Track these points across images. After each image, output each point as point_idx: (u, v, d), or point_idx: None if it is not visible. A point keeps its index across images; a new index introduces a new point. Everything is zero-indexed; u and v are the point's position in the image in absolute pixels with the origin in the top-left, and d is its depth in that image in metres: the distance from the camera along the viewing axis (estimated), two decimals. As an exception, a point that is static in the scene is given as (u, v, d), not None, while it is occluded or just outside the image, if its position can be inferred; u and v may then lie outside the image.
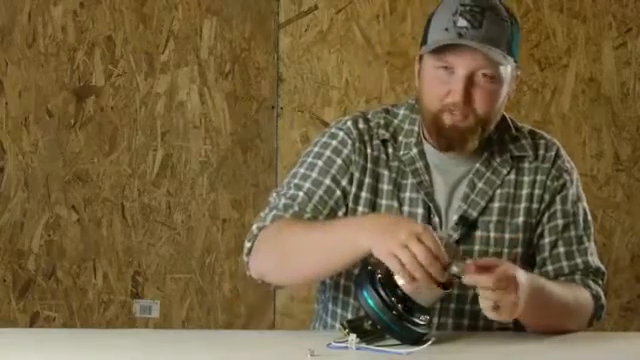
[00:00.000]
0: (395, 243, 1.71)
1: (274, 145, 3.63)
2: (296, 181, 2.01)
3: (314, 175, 2.01)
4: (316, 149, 2.05)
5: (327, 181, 2.00)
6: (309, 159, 2.04)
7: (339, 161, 2.02)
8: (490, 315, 1.75)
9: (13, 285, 3.60)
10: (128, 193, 3.62)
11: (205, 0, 3.62)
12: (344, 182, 2.01)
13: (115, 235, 3.61)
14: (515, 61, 1.99)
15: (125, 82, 3.61)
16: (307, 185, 2.00)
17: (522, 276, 1.79)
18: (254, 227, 1.99)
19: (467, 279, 1.74)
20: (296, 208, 1.98)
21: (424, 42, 1.98)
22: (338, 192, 2.00)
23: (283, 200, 1.99)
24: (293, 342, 1.87)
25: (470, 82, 1.92)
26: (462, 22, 1.92)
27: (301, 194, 1.99)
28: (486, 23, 1.92)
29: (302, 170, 2.03)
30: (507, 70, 1.96)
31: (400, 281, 1.75)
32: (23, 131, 3.59)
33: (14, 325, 3.54)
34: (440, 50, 1.92)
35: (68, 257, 3.60)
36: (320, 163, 2.02)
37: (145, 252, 3.62)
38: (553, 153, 2.08)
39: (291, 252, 1.90)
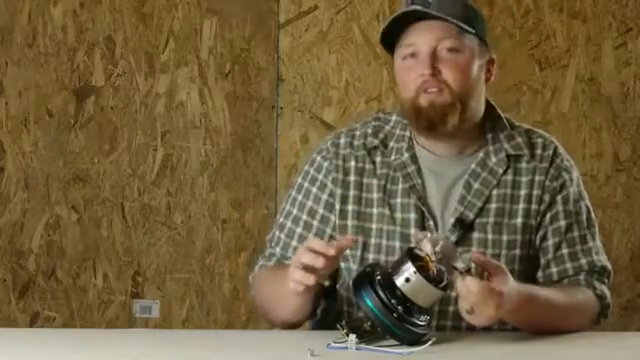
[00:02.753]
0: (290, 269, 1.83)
1: (274, 145, 3.63)
2: (281, 220, 2.12)
3: (294, 212, 2.10)
4: (299, 180, 2.14)
5: (304, 216, 2.09)
6: (293, 193, 2.13)
7: (314, 190, 2.09)
8: (464, 316, 1.78)
9: (13, 285, 3.60)
10: (128, 193, 3.62)
11: (205, 0, 3.62)
12: (321, 210, 2.08)
13: (115, 235, 3.61)
14: (481, 38, 2.01)
15: (125, 82, 3.61)
16: (288, 225, 2.10)
17: (511, 288, 1.78)
18: (250, 277, 2.15)
19: (459, 281, 1.75)
20: (278, 255, 2.09)
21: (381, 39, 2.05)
22: (315, 223, 2.07)
23: (268, 249, 2.12)
24: (293, 342, 1.87)
25: (435, 57, 1.97)
26: (413, 7, 1.97)
27: (283, 237, 2.10)
28: (436, 1, 1.97)
29: (287, 206, 2.13)
30: (473, 42, 1.99)
31: (399, 282, 1.75)
32: (23, 131, 3.59)
33: (14, 325, 3.54)
34: (402, 38, 1.99)
35: (68, 257, 3.60)
36: (299, 197, 2.11)
37: (145, 252, 3.62)
38: (551, 152, 2.07)
39: (265, 300, 2.05)
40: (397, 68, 2.03)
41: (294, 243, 2.07)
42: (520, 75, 3.57)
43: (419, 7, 1.96)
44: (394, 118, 2.10)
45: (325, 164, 2.08)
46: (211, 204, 3.63)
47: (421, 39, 1.97)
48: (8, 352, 1.73)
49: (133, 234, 3.62)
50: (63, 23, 3.60)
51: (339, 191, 2.05)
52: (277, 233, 2.11)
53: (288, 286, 1.82)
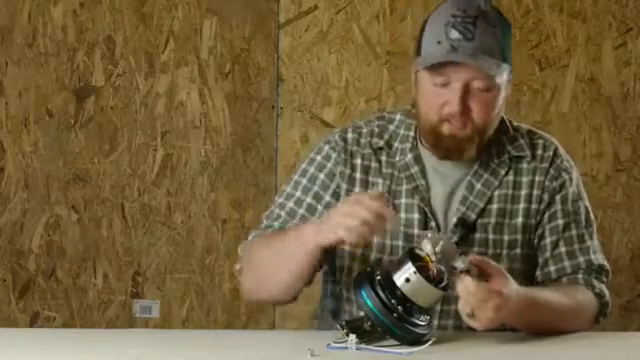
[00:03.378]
0: (336, 218, 1.80)
1: (274, 145, 3.63)
2: (281, 200, 2.08)
3: (297, 194, 2.07)
4: (303, 166, 2.11)
5: (308, 199, 2.06)
6: (295, 177, 2.10)
7: (322, 176, 2.07)
8: (464, 318, 1.77)
9: (13, 285, 3.60)
10: (128, 193, 3.62)
11: (205, 0, 3.62)
12: (327, 197, 2.05)
13: (115, 235, 3.61)
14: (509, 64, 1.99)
15: (125, 82, 3.61)
16: (290, 205, 2.06)
17: (513, 292, 1.79)
18: (239, 248, 2.07)
19: (459, 283, 1.75)
20: (276, 227, 2.04)
21: (418, 52, 2.00)
22: (320, 207, 2.04)
23: (265, 222, 2.07)
24: (293, 342, 1.87)
25: (466, 92, 1.94)
26: (454, 34, 1.93)
27: (283, 214, 2.05)
28: (478, 33, 1.92)
29: (288, 189, 2.09)
30: (502, 78, 1.97)
31: (399, 282, 1.75)
32: (23, 131, 3.59)
33: (14, 325, 3.54)
34: (436, 65, 1.94)
35: (68, 257, 3.60)
36: (304, 181, 2.08)
37: (145, 252, 3.62)
38: (551, 153, 2.08)
39: (260, 267, 1.98)
40: (422, 86, 1.98)
41: (294, 222, 2.04)
42: (520, 75, 3.57)
43: (462, 36, 1.91)
44: (398, 117, 2.10)
45: (334, 155, 2.07)
46: (211, 204, 3.63)
47: (455, 75, 1.93)
48: (8, 352, 1.73)
49: (133, 234, 3.62)
50: (63, 23, 3.59)
51: (345, 186, 2.05)
52: (277, 210, 2.07)
53: (301, 244, 1.84)
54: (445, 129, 1.96)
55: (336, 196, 2.04)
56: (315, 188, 2.06)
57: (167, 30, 3.62)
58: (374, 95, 3.62)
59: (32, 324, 3.58)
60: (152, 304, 3.62)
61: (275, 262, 1.94)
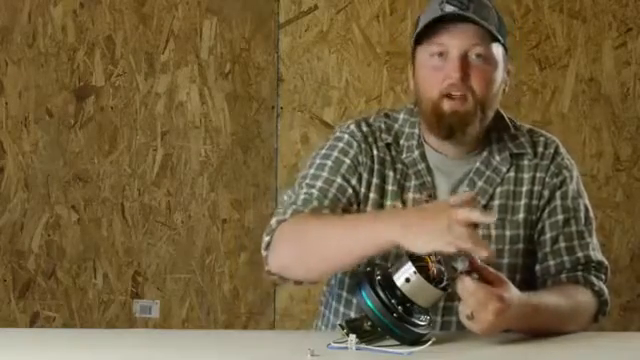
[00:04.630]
0: (441, 233, 1.70)
1: (274, 145, 3.63)
2: (308, 181, 2.02)
3: (325, 174, 2.02)
4: (323, 151, 2.06)
5: (338, 179, 2.01)
6: (317, 160, 2.05)
7: (347, 161, 2.03)
8: (463, 321, 1.76)
9: (13, 285, 3.60)
10: (128, 193, 3.62)
11: (205, 0, 3.62)
12: (354, 181, 2.02)
13: (115, 235, 3.61)
14: (505, 48, 2.01)
15: (125, 82, 3.62)
16: (319, 184, 2.00)
17: (513, 295, 1.78)
18: (273, 221, 1.97)
19: (458, 284, 1.75)
20: (315, 203, 1.97)
21: (416, 37, 2.01)
22: (350, 190, 2.01)
23: (302, 196, 1.99)
24: (293, 342, 1.87)
25: (465, 62, 1.95)
26: (449, 8, 1.95)
27: (315, 192, 1.99)
28: (473, 6, 1.95)
29: (312, 171, 2.03)
30: (499, 52, 1.99)
31: (399, 282, 1.75)
32: (23, 131, 3.59)
33: (14, 325, 3.54)
34: (432, 35, 1.95)
35: (68, 257, 3.60)
36: (329, 163, 2.03)
37: (145, 252, 3.62)
38: (552, 150, 2.10)
39: (312, 245, 1.89)
40: (420, 64, 2.00)
41: (328, 200, 1.98)
42: (520, 75, 3.57)
43: (456, 9, 1.94)
44: (402, 116, 2.10)
45: (355, 143, 2.05)
46: (211, 204, 3.63)
47: (453, 41, 1.95)
48: (8, 352, 1.73)
49: (133, 234, 3.62)
50: (63, 23, 3.60)
51: (365, 175, 2.04)
52: (305, 189, 1.99)
53: (377, 238, 1.77)
54: (446, 106, 1.96)
55: (361, 183, 2.02)
56: (342, 171, 2.02)
57: (167, 30, 3.62)
58: (374, 95, 3.62)
59: (32, 324, 3.58)
60: (152, 304, 3.62)
61: (333, 245, 1.85)
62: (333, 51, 3.63)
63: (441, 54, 1.96)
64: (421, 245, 1.71)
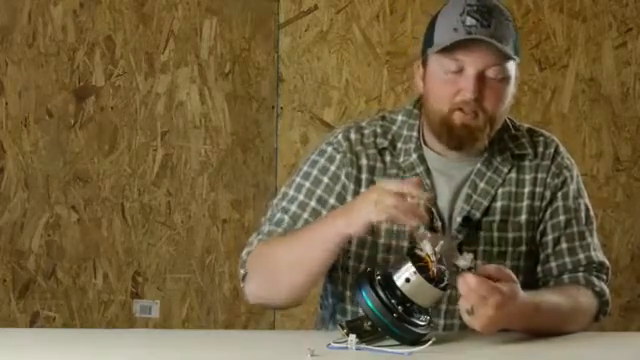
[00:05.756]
0: (387, 199, 1.76)
1: (274, 145, 3.63)
2: (284, 204, 2.04)
3: (300, 197, 2.03)
4: (305, 168, 2.07)
5: (312, 203, 2.03)
6: (298, 179, 2.06)
7: (325, 180, 2.04)
8: (464, 317, 1.76)
9: (13, 285, 3.60)
10: (128, 193, 3.62)
11: (205, 0, 3.62)
12: (332, 200, 2.03)
13: (115, 235, 3.61)
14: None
15: (125, 82, 3.61)
16: (293, 209, 2.03)
17: (515, 293, 1.77)
18: (243, 253, 2.04)
19: (460, 280, 1.75)
20: (280, 232, 2.01)
21: (429, 44, 1.98)
22: (324, 212, 2.01)
23: (268, 226, 2.03)
24: (293, 342, 1.87)
25: (481, 82, 1.93)
26: (471, 21, 1.93)
27: (287, 218, 2.02)
28: (494, 22, 1.93)
29: (290, 192, 2.05)
30: (513, 68, 1.98)
31: (399, 282, 1.75)
32: (23, 131, 3.59)
33: (14, 325, 3.54)
34: (450, 49, 1.93)
35: (68, 257, 3.60)
36: (307, 184, 2.05)
37: (145, 252, 3.62)
38: (552, 150, 2.10)
39: (275, 266, 1.94)
40: (433, 73, 1.98)
41: (297, 227, 2.01)
42: (520, 75, 3.56)
43: (478, 23, 1.91)
44: (400, 118, 2.09)
45: (338, 156, 2.04)
46: (211, 204, 3.63)
47: (471, 60, 1.93)
48: (8, 352, 1.73)
49: (133, 234, 3.62)
50: (63, 23, 3.59)
51: (352, 187, 2.03)
52: (279, 215, 2.03)
53: (325, 240, 1.83)
54: (456, 119, 1.95)
55: (341, 199, 2.02)
56: (318, 192, 2.03)
57: (167, 30, 3.62)
58: (374, 95, 3.62)
59: (32, 324, 3.58)
60: (152, 304, 3.62)
61: (291, 258, 1.91)
62: (333, 51, 3.63)
63: (456, 71, 1.94)
64: (357, 221, 1.80)
